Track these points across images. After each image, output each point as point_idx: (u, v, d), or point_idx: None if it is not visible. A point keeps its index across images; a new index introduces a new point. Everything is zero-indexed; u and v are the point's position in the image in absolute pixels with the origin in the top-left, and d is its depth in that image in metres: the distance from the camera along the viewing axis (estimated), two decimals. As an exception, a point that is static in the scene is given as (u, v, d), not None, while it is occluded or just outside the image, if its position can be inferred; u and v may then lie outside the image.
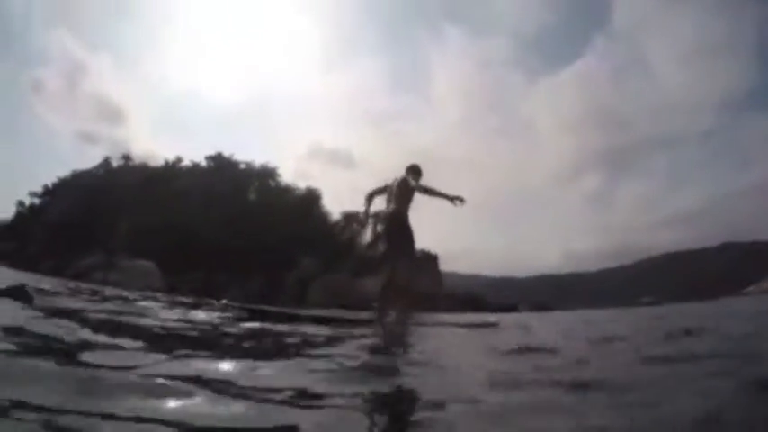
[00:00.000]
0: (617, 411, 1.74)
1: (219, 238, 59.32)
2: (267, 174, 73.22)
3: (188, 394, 1.81)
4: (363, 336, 4.78)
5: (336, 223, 68.66)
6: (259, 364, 2.69)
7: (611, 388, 2.11)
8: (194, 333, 4.39)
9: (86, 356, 2.49)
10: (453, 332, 6.16)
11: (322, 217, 70.44)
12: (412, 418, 1.81)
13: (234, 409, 1.68)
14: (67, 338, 3.07)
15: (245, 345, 3.85)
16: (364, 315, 7.62)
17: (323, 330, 5.17)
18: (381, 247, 7.32)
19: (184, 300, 12.69)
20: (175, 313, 6.71)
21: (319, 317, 7.40)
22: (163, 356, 2.72)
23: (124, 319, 4.96)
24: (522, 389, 2.20)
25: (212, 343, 3.86)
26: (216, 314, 7.19)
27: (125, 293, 12.73)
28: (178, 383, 1.96)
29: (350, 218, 64.68)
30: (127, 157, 77.23)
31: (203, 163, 74.11)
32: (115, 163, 76.19)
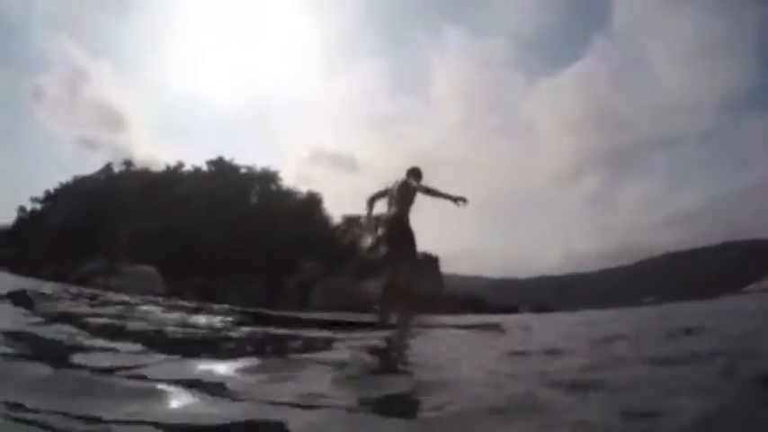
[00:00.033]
0: (618, 412, 1.74)
1: (221, 243, 59.38)
2: (268, 178, 73.34)
3: (186, 397, 1.81)
4: (365, 338, 4.78)
5: (338, 227, 68.74)
6: (259, 366, 2.69)
7: (610, 388, 2.10)
8: (194, 337, 4.39)
9: (85, 360, 2.50)
10: (455, 334, 6.15)
11: (323, 220, 70.55)
12: (412, 419, 1.81)
13: (233, 412, 1.68)
14: (67, 342, 3.08)
15: (246, 348, 3.85)
16: (366, 318, 7.62)
17: (325, 333, 5.16)
18: (383, 250, 7.32)
19: (186, 304, 12.69)
20: (176, 317, 6.71)
21: (321, 320, 7.38)
22: (162, 358, 2.73)
23: (124, 323, 4.96)
24: (523, 389, 2.20)
25: (212, 346, 3.85)
26: (217, 318, 7.18)
27: (126, 298, 12.73)
28: (176, 386, 1.95)
29: (351, 221, 64.80)
30: (128, 163, 77.50)
31: (204, 168, 74.26)
32: (117, 168, 76.42)
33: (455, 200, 6.94)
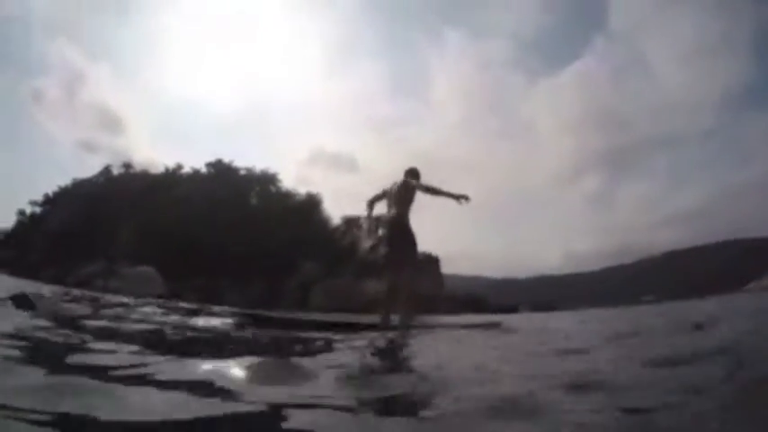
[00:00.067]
0: (620, 412, 1.74)
1: (220, 244, 59.40)
2: (267, 179, 73.35)
3: (186, 397, 1.81)
4: (366, 340, 4.78)
5: (338, 227, 68.73)
6: (259, 368, 2.69)
7: (611, 388, 2.11)
8: (193, 338, 4.39)
9: (84, 360, 2.50)
10: (455, 334, 6.15)
11: (323, 222, 70.56)
12: (413, 420, 1.81)
13: (232, 413, 1.68)
14: (67, 344, 3.08)
15: (245, 349, 3.85)
16: (367, 319, 7.61)
17: (325, 335, 5.17)
18: (383, 251, 7.29)
19: (186, 305, 12.69)
20: (176, 319, 6.71)
21: (322, 322, 7.39)
22: (161, 359, 2.73)
23: (123, 325, 4.96)
24: (521, 388, 2.20)
25: (211, 348, 3.86)
26: (217, 319, 7.18)
27: (126, 300, 12.72)
28: (175, 386, 1.96)
29: (350, 222, 64.75)
30: (127, 165, 77.50)
31: (203, 170, 74.25)
32: (115, 171, 76.39)
33: (457, 198, 6.87)
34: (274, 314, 9.04)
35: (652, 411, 1.70)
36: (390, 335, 5.50)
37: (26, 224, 70.23)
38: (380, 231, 7.37)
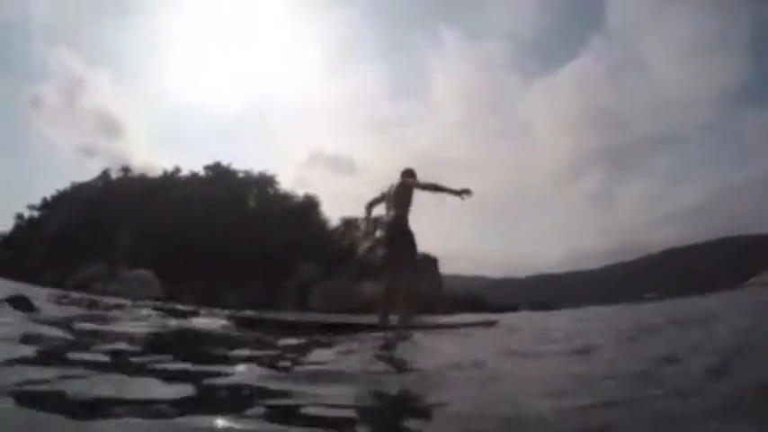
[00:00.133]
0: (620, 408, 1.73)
1: (219, 246, 59.41)
2: (266, 181, 73.37)
3: (184, 398, 1.80)
4: (365, 340, 4.77)
5: (336, 229, 68.78)
6: (257, 369, 2.67)
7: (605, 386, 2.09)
8: (191, 340, 4.37)
9: (83, 360, 2.49)
10: (454, 333, 6.15)
11: (321, 223, 70.56)
12: (412, 419, 1.79)
13: (231, 413, 1.66)
14: (66, 345, 3.07)
15: (244, 351, 3.83)
16: (366, 320, 7.58)
17: (324, 336, 5.15)
18: (381, 252, 7.26)
19: (184, 308, 12.68)
20: (174, 321, 6.70)
21: (321, 323, 7.36)
22: (158, 359, 2.72)
23: (122, 327, 4.95)
24: (521, 388, 2.19)
25: (209, 349, 3.84)
26: (215, 321, 7.17)
27: (125, 302, 12.72)
28: (173, 387, 1.94)
29: (349, 223, 64.82)
30: (126, 169, 77.48)
31: (202, 173, 74.28)
32: (114, 175, 76.39)
33: (458, 193, 6.80)
34: (273, 316, 9.01)
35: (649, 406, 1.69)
36: (389, 335, 5.48)
37: (25, 228, 70.18)
38: (379, 233, 7.34)
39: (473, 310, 48.14)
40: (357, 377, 2.55)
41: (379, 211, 7.50)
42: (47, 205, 72.73)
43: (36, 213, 72.37)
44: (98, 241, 60.79)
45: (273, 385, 2.21)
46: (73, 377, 1.98)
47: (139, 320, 6.28)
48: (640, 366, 2.60)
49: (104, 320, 5.72)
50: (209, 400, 1.88)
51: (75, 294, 16.43)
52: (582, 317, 10.04)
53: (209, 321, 7.12)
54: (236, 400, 1.89)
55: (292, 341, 4.46)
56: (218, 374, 2.39)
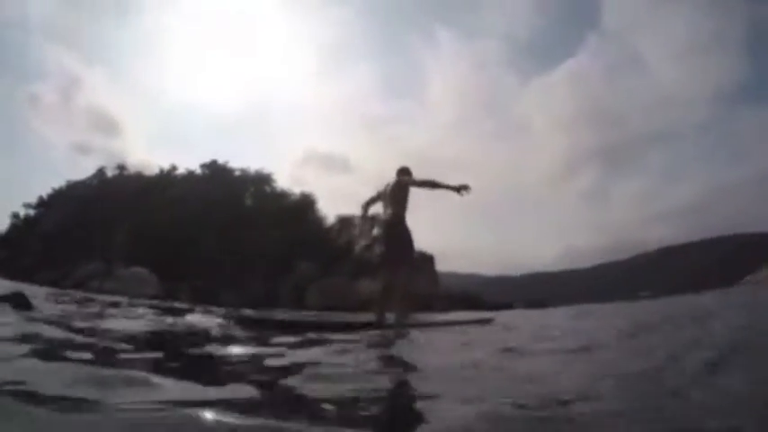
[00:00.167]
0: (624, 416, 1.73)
1: (215, 245, 59.32)
2: (262, 180, 73.23)
3: (171, 391, 1.80)
4: (362, 340, 4.77)
5: (332, 227, 68.70)
6: (254, 368, 2.67)
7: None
8: (188, 338, 4.37)
9: (81, 359, 2.49)
10: (450, 331, 6.15)
11: (317, 221, 70.46)
12: (410, 419, 1.79)
13: (230, 413, 1.66)
14: (63, 343, 3.06)
15: (240, 350, 3.83)
16: (362, 318, 7.59)
17: (321, 335, 5.15)
18: (379, 250, 7.26)
19: (180, 306, 12.67)
20: (170, 319, 6.69)
21: (317, 322, 7.36)
22: (154, 357, 2.71)
23: (118, 325, 4.94)
24: (518, 384, 2.19)
25: (206, 348, 3.83)
26: (211, 319, 7.16)
27: (121, 300, 12.70)
28: (170, 385, 1.94)
29: (345, 221, 64.74)
30: (121, 167, 77.25)
31: (198, 171, 74.09)
32: (110, 173, 76.15)
33: (457, 189, 6.76)
34: (270, 316, 9.00)
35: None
36: (386, 334, 5.48)
37: (20, 227, 69.93)
38: (375, 231, 7.34)
39: (468, 307, 48.15)
40: (354, 375, 2.55)
41: (376, 209, 7.51)
42: (42, 204, 72.47)
43: (32, 212, 72.12)
44: (94, 239, 60.61)
45: (267, 382, 2.21)
46: (70, 375, 1.98)
47: (134, 319, 6.28)
48: (639, 364, 2.61)
49: (100, 318, 5.71)
50: (201, 395, 1.88)
51: (72, 293, 16.41)
52: (578, 315, 10.04)
53: (204, 319, 7.11)
54: (228, 396, 1.89)
55: (288, 339, 4.46)
56: (212, 371, 2.39)
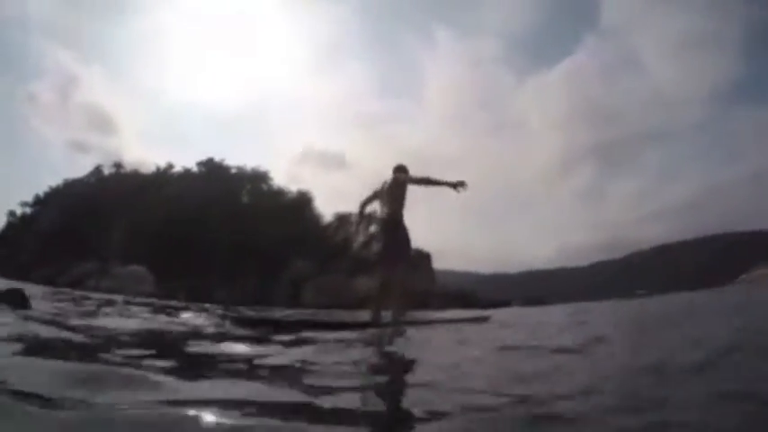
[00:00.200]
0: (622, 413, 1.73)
1: (212, 242, 59.25)
2: (259, 177, 73.21)
3: (164, 389, 1.80)
4: (358, 338, 4.76)
5: (329, 225, 68.72)
6: (251, 368, 2.66)
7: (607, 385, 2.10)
8: (184, 337, 4.36)
9: (79, 358, 2.48)
10: (447, 329, 6.14)
11: (314, 219, 70.50)
12: (408, 418, 1.79)
13: (228, 413, 1.65)
14: (61, 341, 3.06)
15: (237, 348, 3.82)
16: (359, 316, 7.58)
17: (317, 333, 5.14)
18: (375, 248, 7.25)
19: (177, 304, 12.66)
20: (166, 317, 6.68)
21: (314, 321, 7.35)
22: (151, 354, 2.71)
23: (116, 323, 4.93)
24: (517, 382, 2.19)
25: (203, 347, 3.83)
26: (207, 318, 7.15)
27: (118, 299, 12.67)
28: (167, 384, 1.94)
29: (342, 219, 64.77)
30: (118, 165, 77.18)
31: (195, 169, 74.01)
32: (107, 171, 76.02)
33: (454, 185, 6.75)
34: (266, 315, 8.99)
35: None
36: (382, 332, 5.47)
37: (17, 225, 69.79)
38: (372, 228, 7.33)
39: (465, 305, 48.25)
40: (351, 373, 2.55)
41: (373, 207, 7.49)
42: (39, 202, 72.33)
43: (28, 210, 72.01)
44: (91, 238, 60.52)
45: (262, 381, 2.21)
46: (65, 374, 1.97)
47: (129, 317, 6.27)
48: (638, 361, 2.61)
49: (95, 317, 5.70)
50: (196, 394, 1.87)
51: (68, 291, 16.37)
52: (574, 313, 10.05)
53: (198, 318, 7.09)
54: (223, 395, 1.88)
55: (284, 338, 4.45)
56: (207, 370, 2.39)
